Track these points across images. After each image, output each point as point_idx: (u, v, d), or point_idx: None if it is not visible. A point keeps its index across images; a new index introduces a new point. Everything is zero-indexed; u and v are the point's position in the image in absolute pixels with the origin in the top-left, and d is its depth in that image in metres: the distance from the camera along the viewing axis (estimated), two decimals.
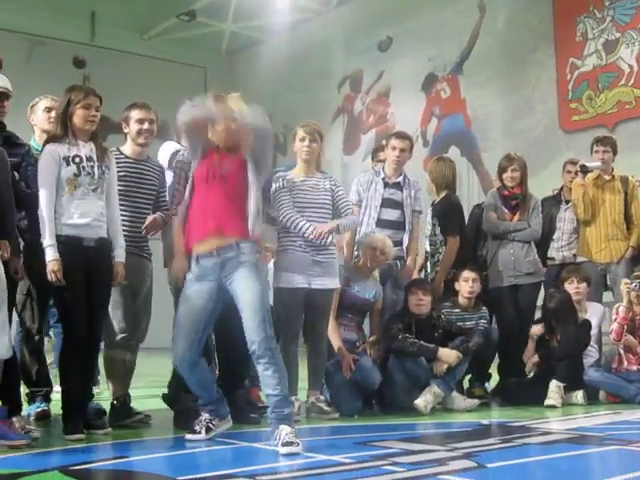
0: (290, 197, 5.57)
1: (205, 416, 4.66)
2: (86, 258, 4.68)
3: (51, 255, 4.59)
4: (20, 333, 5.40)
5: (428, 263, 6.79)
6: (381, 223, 6.30)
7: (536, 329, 6.48)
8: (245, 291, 4.39)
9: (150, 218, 5.27)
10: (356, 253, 6.28)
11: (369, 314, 6.19)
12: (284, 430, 4.19)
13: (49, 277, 4.59)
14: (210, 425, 4.63)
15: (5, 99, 5.20)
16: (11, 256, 4.59)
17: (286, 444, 4.10)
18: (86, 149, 4.78)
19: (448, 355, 5.87)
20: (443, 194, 6.82)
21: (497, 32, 13.37)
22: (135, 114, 5.36)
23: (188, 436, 4.61)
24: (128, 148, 5.41)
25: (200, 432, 4.60)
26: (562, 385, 6.16)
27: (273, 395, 4.31)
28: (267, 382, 4.35)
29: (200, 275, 4.51)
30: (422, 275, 6.96)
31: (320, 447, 4.34)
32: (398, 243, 6.24)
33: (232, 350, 5.23)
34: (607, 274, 7.21)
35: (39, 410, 5.30)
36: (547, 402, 6.09)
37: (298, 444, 4.11)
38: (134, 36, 16.92)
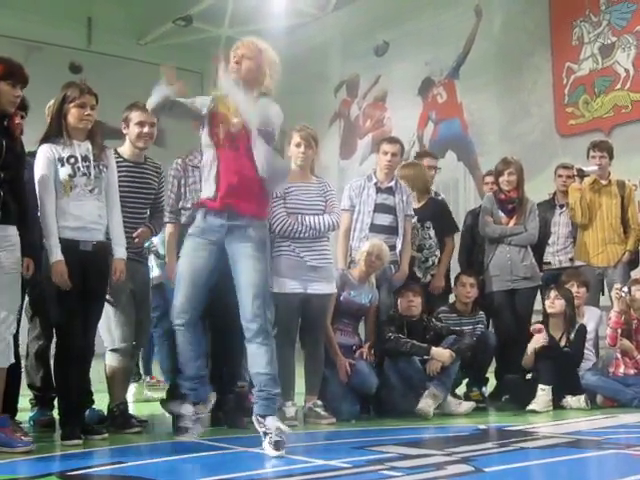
0: (284, 205, 5.60)
1: (188, 410, 4.52)
2: (82, 262, 4.63)
3: (56, 256, 4.54)
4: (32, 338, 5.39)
5: (417, 269, 6.73)
6: (374, 228, 6.30)
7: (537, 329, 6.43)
8: (249, 270, 4.34)
9: (139, 230, 5.26)
10: (349, 259, 6.29)
11: (364, 318, 6.19)
12: (273, 425, 4.16)
13: (54, 279, 4.54)
14: (196, 417, 4.51)
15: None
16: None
17: (274, 444, 4.10)
18: (82, 149, 4.73)
19: (441, 354, 5.88)
20: (426, 198, 6.84)
21: (493, 36, 13.37)
22: (136, 116, 5.28)
23: (177, 437, 4.55)
24: (126, 150, 5.34)
25: (187, 431, 4.50)
26: (547, 388, 6.14)
27: (263, 374, 4.27)
28: (257, 361, 4.30)
29: (204, 230, 4.44)
30: None
31: (317, 452, 4.35)
32: (391, 248, 6.24)
33: (226, 349, 5.23)
34: (604, 278, 7.23)
35: (44, 418, 5.28)
36: (529, 407, 6.07)
37: (284, 448, 4.09)
38: (130, 41, 16.89)
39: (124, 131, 5.36)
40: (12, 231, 4.39)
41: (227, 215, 4.40)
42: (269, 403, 4.26)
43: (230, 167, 4.39)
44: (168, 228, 5.46)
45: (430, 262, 6.75)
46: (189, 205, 5.29)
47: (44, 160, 4.66)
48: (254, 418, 4.31)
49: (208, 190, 4.45)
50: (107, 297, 4.97)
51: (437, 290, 6.74)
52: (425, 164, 7.14)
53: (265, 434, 4.18)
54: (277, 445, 4.11)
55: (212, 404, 4.70)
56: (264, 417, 4.25)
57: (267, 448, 4.14)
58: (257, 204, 4.45)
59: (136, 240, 5.21)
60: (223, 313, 4.96)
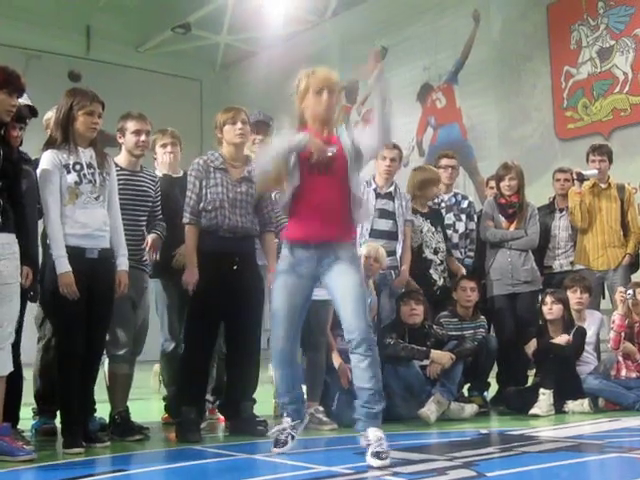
0: None
1: (286, 424, 4.51)
2: (88, 270, 4.61)
3: (63, 267, 4.52)
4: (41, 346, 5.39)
5: (433, 271, 6.73)
6: (374, 233, 6.31)
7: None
8: (345, 281, 4.24)
9: (149, 240, 5.27)
10: None
11: None
12: (374, 435, 4.02)
13: (61, 290, 4.51)
14: (293, 433, 4.49)
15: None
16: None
17: (375, 455, 3.92)
18: (86, 156, 4.71)
19: (441, 356, 5.87)
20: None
21: (492, 41, 13.40)
22: (132, 125, 5.30)
23: (274, 450, 4.44)
24: (123, 159, 5.35)
25: (286, 443, 4.45)
26: (548, 392, 6.13)
27: (366, 389, 4.13)
28: (360, 375, 4.16)
29: (293, 265, 4.34)
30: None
31: (319, 458, 4.33)
32: (391, 253, 6.25)
33: (244, 357, 5.22)
34: (605, 281, 7.23)
35: (46, 427, 5.28)
36: (531, 411, 6.04)
37: (387, 457, 3.92)
38: (129, 49, 16.95)
39: (120, 140, 5.35)
40: (12, 239, 4.37)
41: (314, 245, 4.30)
42: (372, 418, 4.10)
43: (318, 196, 4.28)
44: (188, 230, 5.17)
45: (444, 265, 6.75)
46: (210, 207, 5.10)
47: (50, 167, 4.61)
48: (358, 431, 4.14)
49: (293, 224, 4.38)
50: None
51: None
52: (442, 164, 7.18)
53: (368, 446, 4.00)
54: (378, 455, 3.93)
55: (303, 426, 4.62)
56: (366, 429, 4.12)
57: (369, 460, 3.94)
58: (345, 229, 4.35)
59: (148, 249, 5.29)
60: (241, 318, 4.96)
